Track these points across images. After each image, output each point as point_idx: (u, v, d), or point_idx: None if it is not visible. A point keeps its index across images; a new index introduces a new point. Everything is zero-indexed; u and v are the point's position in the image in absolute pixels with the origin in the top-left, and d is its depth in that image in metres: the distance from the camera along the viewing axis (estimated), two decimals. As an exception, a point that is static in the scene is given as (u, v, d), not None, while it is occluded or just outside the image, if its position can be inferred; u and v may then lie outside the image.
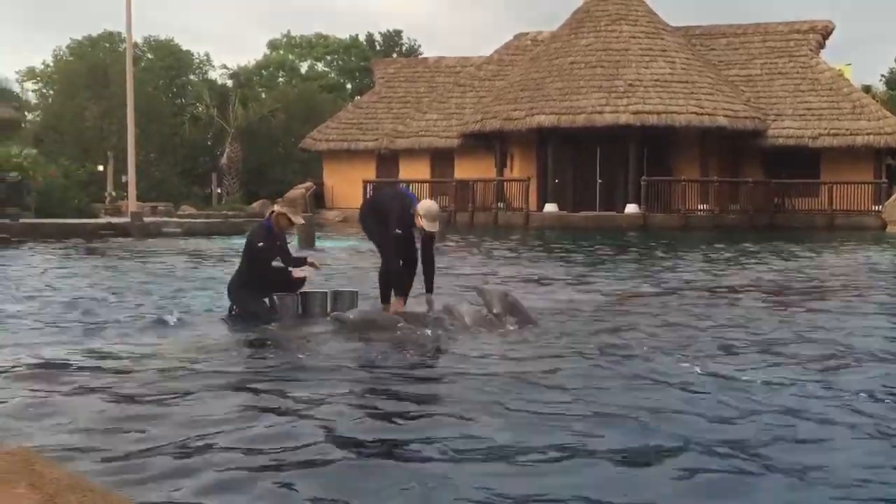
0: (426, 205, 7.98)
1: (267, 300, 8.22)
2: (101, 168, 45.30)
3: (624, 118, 31.82)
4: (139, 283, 11.52)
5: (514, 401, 4.96)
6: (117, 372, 5.74)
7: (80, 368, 5.84)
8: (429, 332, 7.24)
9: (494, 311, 7.57)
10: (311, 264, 8.45)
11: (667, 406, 4.91)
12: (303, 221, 8.53)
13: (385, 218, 8.01)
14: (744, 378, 5.61)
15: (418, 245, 8.20)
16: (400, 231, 7.98)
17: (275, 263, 8.33)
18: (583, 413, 4.75)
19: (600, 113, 32.11)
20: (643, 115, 31.86)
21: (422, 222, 7.90)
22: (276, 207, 8.29)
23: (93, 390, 5.21)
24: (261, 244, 8.19)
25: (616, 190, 33.34)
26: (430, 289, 8.21)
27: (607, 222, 30.87)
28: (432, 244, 8.18)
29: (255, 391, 5.27)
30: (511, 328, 7.44)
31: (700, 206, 31.49)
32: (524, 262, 15.75)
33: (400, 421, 4.62)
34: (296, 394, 5.15)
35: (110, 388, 5.29)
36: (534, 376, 5.56)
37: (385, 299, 8.26)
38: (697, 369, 5.84)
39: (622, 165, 33.03)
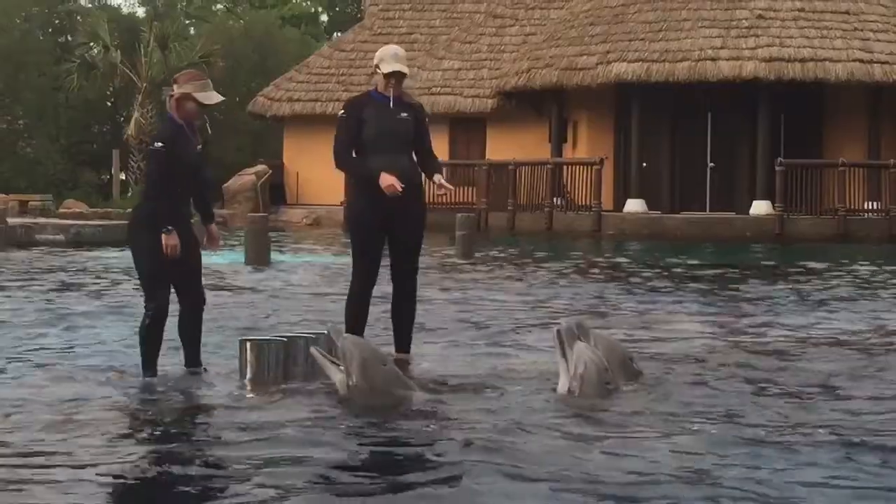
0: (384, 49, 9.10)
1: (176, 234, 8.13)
2: (-58, 141, 45.52)
3: (750, 68, 31.69)
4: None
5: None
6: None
7: None
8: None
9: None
10: (212, 233, 8.57)
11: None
12: (219, 98, 8.46)
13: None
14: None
15: None
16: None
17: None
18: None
19: (713, 60, 32.00)
20: (779, 63, 31.73)
21: (381, 69, 8.89)
22: (176, 88, 8.24)
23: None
24: (158, 144, 8.18)
25: (737, 179, 33.17)
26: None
27: (723, 229, 30.68)
28: (433, 161, 9.06)
29: None
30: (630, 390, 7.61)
31: (868, 205, 31.25)
32: (598, 291, 15.60)
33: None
34: None
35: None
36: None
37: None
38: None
39: (746, 142, 32.88)
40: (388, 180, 8.57)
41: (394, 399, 7.24)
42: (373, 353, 7.48)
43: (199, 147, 8.40)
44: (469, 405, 7.30)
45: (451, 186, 8.93)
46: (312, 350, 7.45)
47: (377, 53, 9.11)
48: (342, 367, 7.26)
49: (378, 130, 8.78)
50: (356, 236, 9.00)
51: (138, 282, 8.64)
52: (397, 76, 8.90)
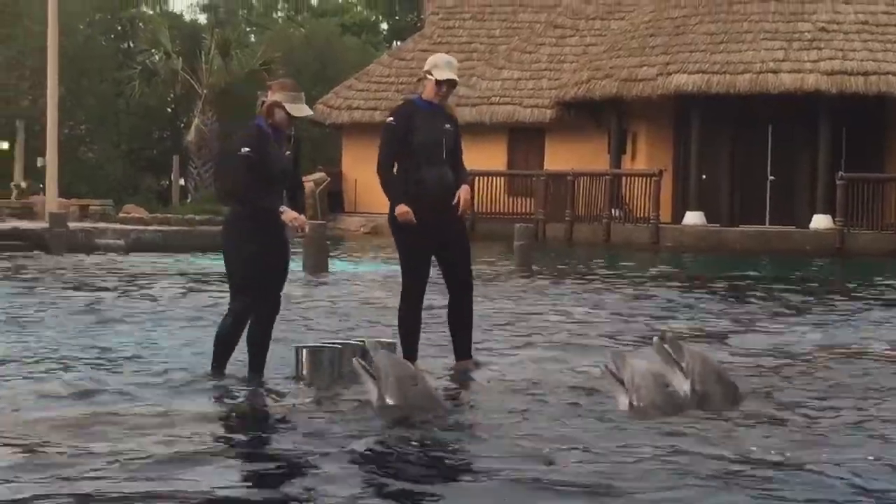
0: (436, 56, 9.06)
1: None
2: (5, 146, 45.96)
3: (812, 81, 31.56)
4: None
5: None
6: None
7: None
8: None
9: (696, 386, 7.45)
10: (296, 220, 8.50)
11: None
12: (308, 112, 8.64)
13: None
14: None
15: None
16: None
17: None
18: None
19: (775, 73, 31.90)
20: (842, 76, 31.61)
21: (433, 75, 8.81)
22: (269, 94, 8.43)
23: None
24: (246, 150, 8.30)
25: (797, 193, 33.03)
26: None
27: (782, 242, 30.55)
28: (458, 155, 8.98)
29: None
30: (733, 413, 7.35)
31: (931, 221, 31.06)
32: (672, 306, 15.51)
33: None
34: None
35: None
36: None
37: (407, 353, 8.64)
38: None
39: (807, 155, 32.70)
40: (402, 212, 8.73)
41: (425, 416, 7.17)
42: (404, 371, 7.40)
43: (288, 153, 8.52)
44: (522, 418, 7.28)
45: (465, 203, 8.90)
46: (354, 361, 7.47)
47: (430, 59, 9.05)
48: (376, 383, 7.22)
49: (427, 140, 8.79)
50: (404, 255, 9.02)
51: (226, 283, 8.78)
52: (450, 84, 8.89)
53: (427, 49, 42.28)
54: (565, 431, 6.87)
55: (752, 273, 22.42)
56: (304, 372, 8.27)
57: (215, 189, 8.62)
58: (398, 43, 53.83)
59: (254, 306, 8.36)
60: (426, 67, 8.97)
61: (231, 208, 8.66)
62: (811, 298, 16.87)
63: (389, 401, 7.14)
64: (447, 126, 8.89)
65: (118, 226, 29.61)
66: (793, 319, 13.85)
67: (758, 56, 32.36)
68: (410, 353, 8.78)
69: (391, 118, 8.92)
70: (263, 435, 6.93)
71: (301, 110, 8.40)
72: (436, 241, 8.84)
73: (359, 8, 66.96)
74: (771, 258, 27.74)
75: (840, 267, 26.00)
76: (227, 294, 8.69)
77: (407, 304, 8.99)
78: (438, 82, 8.81)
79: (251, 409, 7.67)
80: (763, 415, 7.44)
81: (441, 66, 8.86)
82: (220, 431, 6.95)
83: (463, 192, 8.80)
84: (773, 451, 6.35)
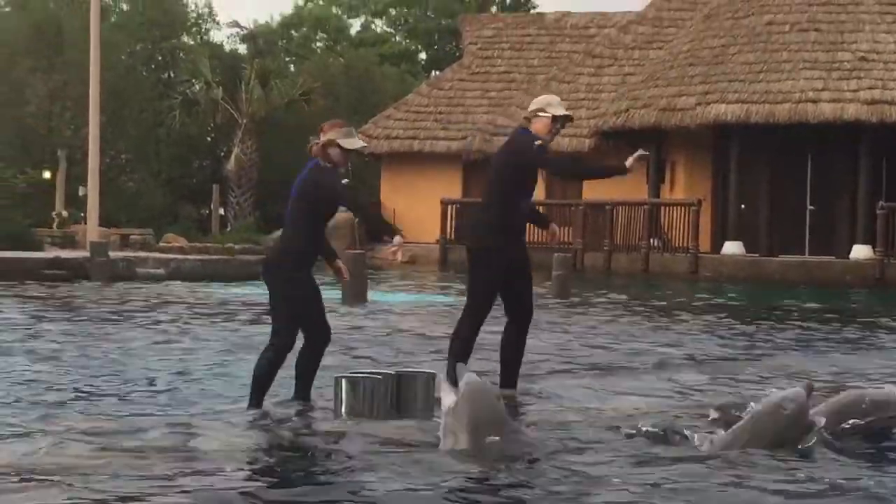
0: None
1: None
2: (47, 175, 46.27)
3: (852, 110, 31.50)
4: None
5: None
6: None
7: None
8: None
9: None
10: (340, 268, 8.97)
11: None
12: (363, 144, 8.97)
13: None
14: None
15: None
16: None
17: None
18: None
19: (815, 102, 31.84)
20: (882, 105, 31.54)
21: (548, 112, 9.30)
22: (321, 136, 8.60)
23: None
24: (334, 182, 8.53)
25: (837, 222, 32.92)
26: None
27: (821, 272, 30.43)
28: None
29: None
30: None
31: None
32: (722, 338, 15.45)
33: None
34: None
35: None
36: None
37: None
38: None
39: (847, 184, 32.63)
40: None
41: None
42: (488, 416, 6.71)
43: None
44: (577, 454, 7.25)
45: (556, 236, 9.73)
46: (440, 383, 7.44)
47: (539, 100, 9.47)
48: (451, 421, 6.70)
49: (534, 176, 9.34)
50: (482, 281, 9.24)
51: (270, 316, 8.88)
52: (566, 120, 9.33)
53: (465, 79, 42.53)
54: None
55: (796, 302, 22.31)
56: (343, 402, 8.25)
57: (356, 209, 8.54)
58: (436, 73, 53.96)
59: (292, 341, 8.49)
60: (535, 107, 9.29)
61: (286, 244, 8.68)
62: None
63: (462, 446, 6.64)
64: None
65: (158, 255, 29.76)
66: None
67: (797, 86, 32.30)
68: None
69: (540, 140, 9.21)
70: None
71: (354, 143, 8.61)
72: (512, 270, 9.18)
73: (397, 38, 67.14)
74: (812, 288, 27.56)
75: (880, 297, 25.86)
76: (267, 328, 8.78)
77: (471, 329, 9.22)
78: (555, 118, 9.18)
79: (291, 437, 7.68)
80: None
81: (555, 104, 9.28)
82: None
83: (554, 226, 9.61)
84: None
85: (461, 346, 9.07)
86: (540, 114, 9.20)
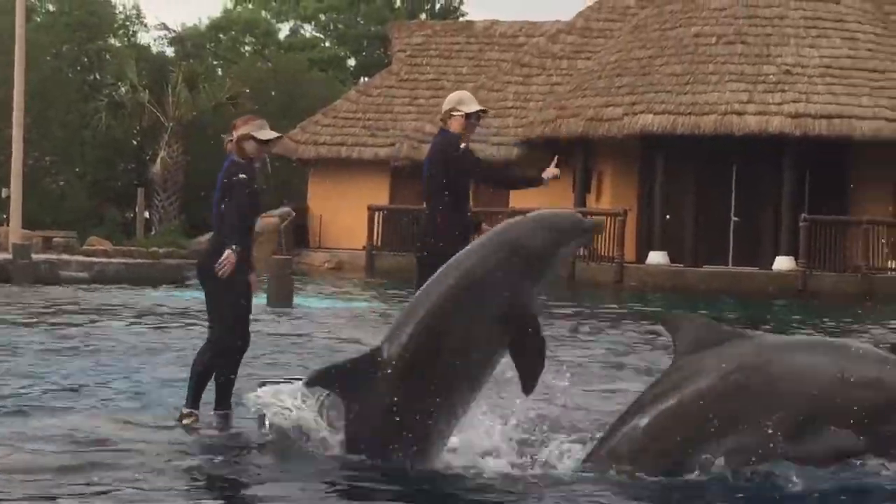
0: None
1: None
2: (-31, 176, 45.71)
3: (776, 123, 31.76)
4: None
5: None
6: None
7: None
8: None
9: None
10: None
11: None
12: (275, 134, 8.83)
13: None
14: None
15: None
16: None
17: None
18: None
19: (739, 114, 32.08)
20: (805, 118, 31.79)
21: (461, 110, 9.37)
22: (234, 133, 8.58)
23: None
24: (243, 175, 8.46)
25: (761, 234, 33.17)
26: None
27: (745, 283, 30.66)
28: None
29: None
30: None
31: (892, 264, 31.18)
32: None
33: None
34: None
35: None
36: None
37: None
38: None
39: (771, 196, 32.89)
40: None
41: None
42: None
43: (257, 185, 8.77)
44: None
45: None
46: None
47: (451, 98, 9.55)
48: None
49: (466, 174, 9.43)
50: None
51: (207, 315, 8.81)
52: (480, 115, 9.49)
53: (394, 86, 42.48)
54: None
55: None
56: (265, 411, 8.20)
57: (222, 224, 8.44)
58: (365, 79, 53.91)
59: (233, 342, 8.43)
60: (448, 106, 9.40)
61: (217, 241, 8.65)
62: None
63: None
64: None
65: (82, 258, 29.48)
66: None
67: (723, 97, 32.53)
68: None
69: (461, 148, 9.30)
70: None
71: (268, 134, 8.64)
72: None
73: (327, 43, 67.03)
74: (735, 298, 27.75)
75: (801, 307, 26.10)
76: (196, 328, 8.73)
77: None
78: (468, 114, 9.34)
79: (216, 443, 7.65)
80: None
81: (466, 101, 9.41)
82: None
83: (549, 170, 9.52)
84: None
85: None
86: (454, 113, 9.33)
